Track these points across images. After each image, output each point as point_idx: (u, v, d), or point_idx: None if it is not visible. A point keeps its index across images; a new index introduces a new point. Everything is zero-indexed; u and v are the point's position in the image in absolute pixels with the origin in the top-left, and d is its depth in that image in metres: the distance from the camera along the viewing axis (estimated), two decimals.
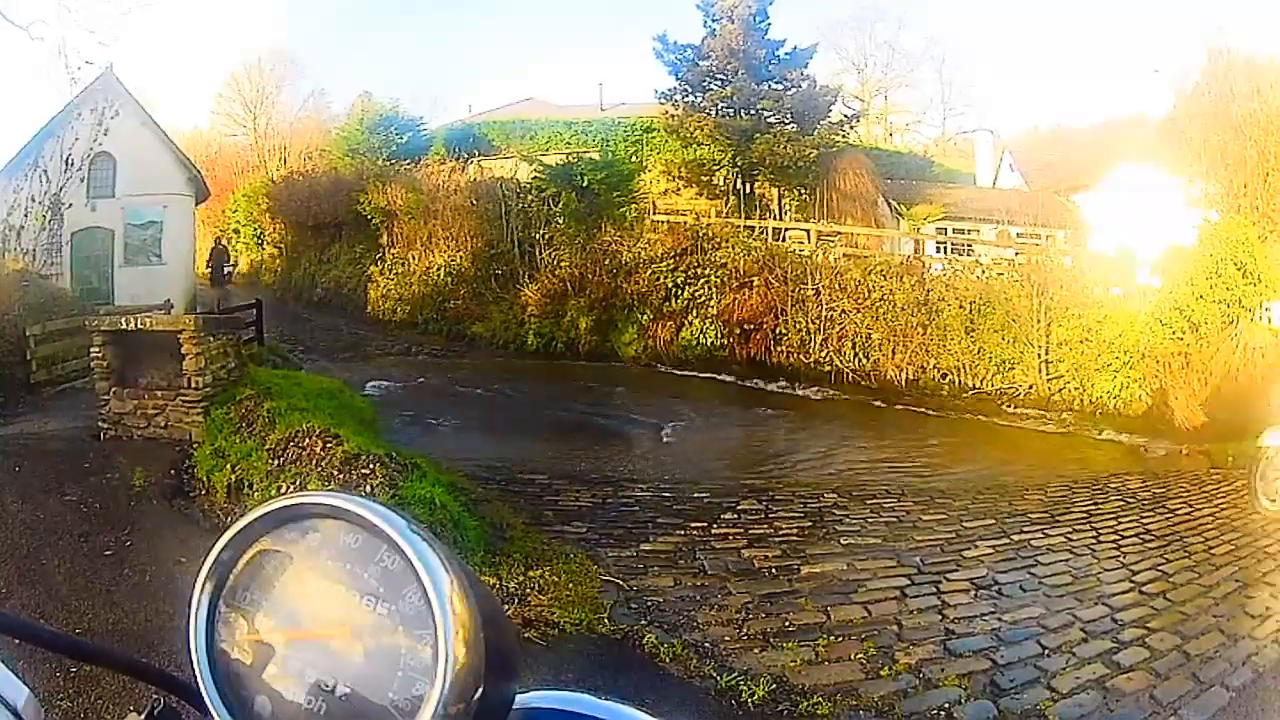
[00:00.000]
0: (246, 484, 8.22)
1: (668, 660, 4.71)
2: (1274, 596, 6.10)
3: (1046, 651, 5.02)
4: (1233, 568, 6.72)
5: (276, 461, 8.22)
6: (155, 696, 0.83)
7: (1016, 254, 20.10)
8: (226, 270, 29.72)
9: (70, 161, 21.22)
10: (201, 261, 26.88)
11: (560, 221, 22.60)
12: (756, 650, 4.90)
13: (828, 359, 18.72)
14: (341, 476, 7.49)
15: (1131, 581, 6.34)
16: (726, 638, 5.07)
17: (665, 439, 13.29)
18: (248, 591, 0.79)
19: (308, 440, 8.32)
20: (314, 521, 0.78)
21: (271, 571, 0.78)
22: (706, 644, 4.96)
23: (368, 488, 7.17)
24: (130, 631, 5.20)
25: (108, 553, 6.66)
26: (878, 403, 16.93)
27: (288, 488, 7.70)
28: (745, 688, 4.36)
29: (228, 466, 8.52)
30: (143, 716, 0.80)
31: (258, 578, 0.79)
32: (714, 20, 25.28)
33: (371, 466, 7.58)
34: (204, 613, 0.79)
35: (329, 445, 8.14)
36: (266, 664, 0.76)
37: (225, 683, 0.77)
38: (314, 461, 7.99)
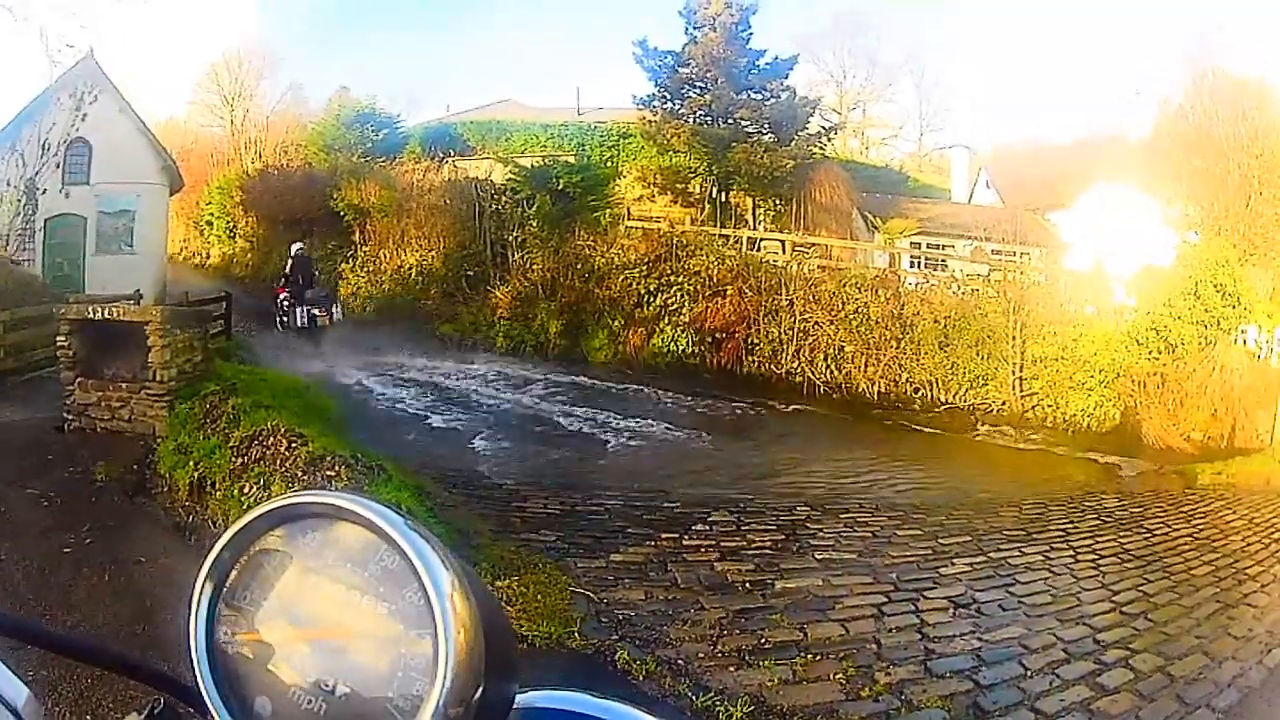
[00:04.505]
0: (209, 482, 8.02)
1: (641, 678, 4.55)
2: (1256, 618, 6.07)
3: (1029, 673, 4.92)
4: (1214, 589, 6.69)
5: (240, 460, 8.03)
6: (155, 697, 0.82)
7: (990, 270, 20.15)
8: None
9: (47, 146, 20.95)
10: (172, 247, 26.35)
11: (533, 224, 22.55)
12: (732, 668, 4.76)
13: (799, 370, 18.72)
14: (306, 478, 7.34)
15: (1112, 601, 6.29)
16: (701, 654, 4.91)
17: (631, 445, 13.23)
18: (248, 591, 0.79)
19: (272, 439, 8.14)
20: (314, 521, 0.78)
21: (271, 571, 0.78)
22: (680, 661, 4.80)
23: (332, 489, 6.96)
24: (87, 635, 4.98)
25: (66, 550, 6.50)
26: (846, 415, 16.86)
27: (251, 487, 7.56)
28: (723, 709, 4.21)
29: (191, 463, 8.32)
30: (143, 716, 0.81)
31: (257, 577, 0.79)
32: (696, 28, 25.26)
33: (337, 469, 7.42)
34: (204, 612, 0.79)
35: (294, 445, 7.98)
36: (266, 664, 0.76)
37: (225, 683, 0.77)
38: (278, 461, 7.81)
